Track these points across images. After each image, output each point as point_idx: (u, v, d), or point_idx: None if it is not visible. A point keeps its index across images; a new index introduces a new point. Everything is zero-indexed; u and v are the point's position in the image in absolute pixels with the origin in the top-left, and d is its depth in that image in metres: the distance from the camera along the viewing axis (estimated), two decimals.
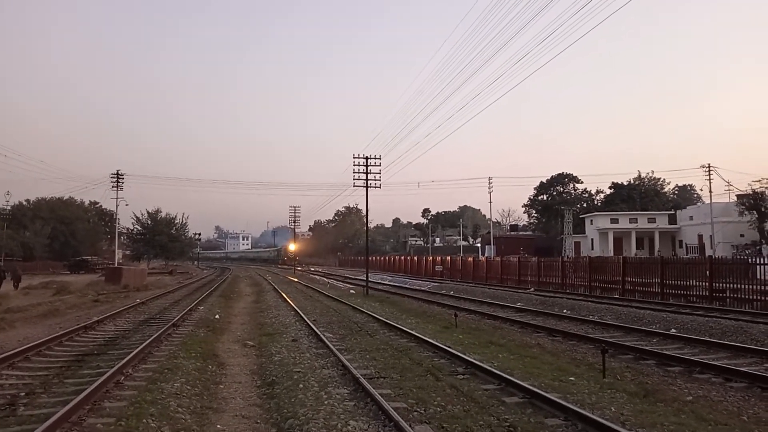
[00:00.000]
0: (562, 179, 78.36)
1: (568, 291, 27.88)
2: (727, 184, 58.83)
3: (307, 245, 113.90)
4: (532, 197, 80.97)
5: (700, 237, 54.54)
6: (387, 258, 75.15)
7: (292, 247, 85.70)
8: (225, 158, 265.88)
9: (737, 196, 52.14)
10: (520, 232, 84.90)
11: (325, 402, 7.35)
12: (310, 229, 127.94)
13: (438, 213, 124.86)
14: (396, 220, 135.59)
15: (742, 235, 48.73)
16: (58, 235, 69.26)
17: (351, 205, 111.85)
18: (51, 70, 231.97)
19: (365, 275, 33.89)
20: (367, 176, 32.50)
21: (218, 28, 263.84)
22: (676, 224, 60.59)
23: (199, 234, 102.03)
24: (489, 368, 9.12)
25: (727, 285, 19.98)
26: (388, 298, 27.35)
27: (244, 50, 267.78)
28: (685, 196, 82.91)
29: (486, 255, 62.20)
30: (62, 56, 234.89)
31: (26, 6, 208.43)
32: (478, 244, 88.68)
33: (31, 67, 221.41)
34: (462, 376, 9.03)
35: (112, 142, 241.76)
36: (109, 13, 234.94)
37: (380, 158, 32.94)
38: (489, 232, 73.56)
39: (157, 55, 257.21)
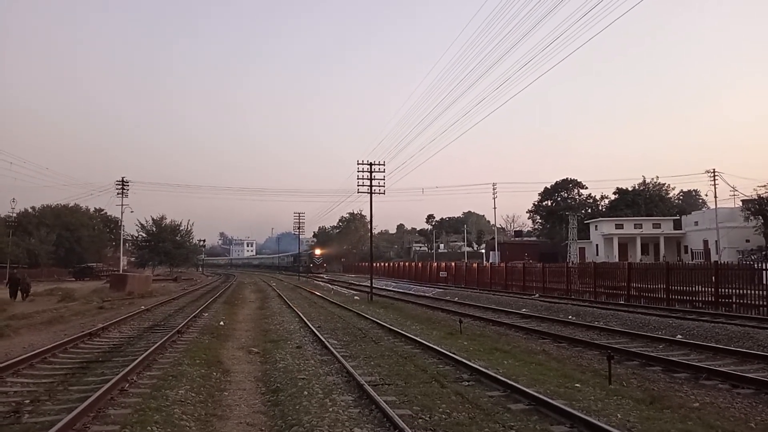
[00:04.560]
0: (567, 185, 78.18)
1: (573, 297, 27.77)
2: (732, 189, 58.71)
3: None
4: (536, 203, 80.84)
5: (706, 242, 54.29)
6: (391, 264, 75.05)
7: (318, 252, 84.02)
8: (230, 164, 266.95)
9: (742, 201, 51.90)
10: (525, 238, 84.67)
11: (330, 409, 7.32)
12: (314, 235, 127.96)
13: (442, 219, 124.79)
14: (400, 226, 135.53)
15: (747, 241, 48.46)
16: (63, 241, 69.52)
17: (355, 211, 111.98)
18: (56, 76, 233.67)
19: (369, 281, 33.86)
20: (371, 182, 32.53)
21: (224, 35, 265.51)
22: (681, 230, 60.33)
23: (204, 240, 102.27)
24: (494, 375, 9.08)
25: (733, 291, 19.87)
26: (392, 304, 27.32)
27: (249, 57, 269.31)
28: (690, 201, 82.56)
29: (490, 261, 62.10)
30: (67, 62, 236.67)
31: (29, 12, 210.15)
32: (483, 250, 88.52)
33: (35, 73, 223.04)
34: (467, 383, 9.00)
35: (117, 148, 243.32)
36: (114, 19, 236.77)
37: (384, 164, 33.00)
38: (493, 238, 73.40)
39: (163, 62, 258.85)
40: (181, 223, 76.02)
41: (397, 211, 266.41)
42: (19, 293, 28.02)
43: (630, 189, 71.71)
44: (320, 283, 54.41)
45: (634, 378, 9.67)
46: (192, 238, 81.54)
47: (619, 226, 62.04)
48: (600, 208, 75.44)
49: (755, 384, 8.75)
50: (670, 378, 9.71)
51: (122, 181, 59.31)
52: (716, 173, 55.02)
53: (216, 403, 8.21)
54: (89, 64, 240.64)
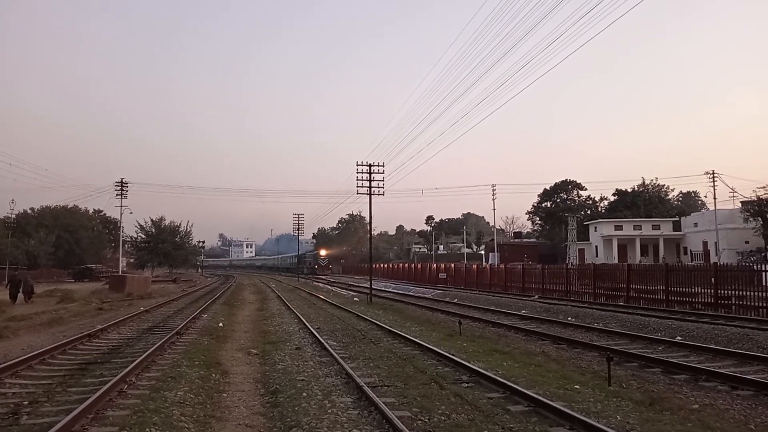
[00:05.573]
0: (566, 186, 78.21)
1: (572, 298, 27.77)
2: (731, 190, 58.86)
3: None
4: (535, 204, 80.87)
5: (705, 244, 54.33)
6: (391, 265, 75.05)
7: (323, 252, 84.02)
8: (229, 165, 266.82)
9: (742, 202, 51.92)
10: (524, 240, 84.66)
11: (329, 410, 7.31)
12: (314, 236, 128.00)
13: (442, 220, 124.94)
14: (400, 228, 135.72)
15: (747, 242, 48.51)
16: (63, 243, 69.51)
17: (355, 213, 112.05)
18: (56, 76, 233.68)
19: (369, 282, 33.86)
20: (370, 183, 32.57)
21: (225, 35, 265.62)
22: (680, 231, 60.37)
23: (203, 241, 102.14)
24: (493, 376, 9.07)
25: (733, 292, 19.88)
26: (391, 305, 27.29)
27: (249, 58, 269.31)
28: (690, 202, 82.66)
29: (490, 262, 62.08)
30: (67, 62, 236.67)
31: (29, 13, 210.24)
32: (482, 252, 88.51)
33: (35, 73, 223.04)
34: (466, 384, 8.99)
35: (117, 148, 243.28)
36: (115, 19, 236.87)
37: (384, 165, 33.08)
38: (493, 240, 73.44)
39: (163, 62, 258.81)
40: (180, 224, 76.08)
41: (397, 212, 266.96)
42: (21, 295, 27.92)
43: (629, 190, 71.80)
44: (320, 284, 54.36)
45: (633, 379, 9.65)
46: (191, 239, 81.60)
47: (619, 228, 62.07)
48: (599, 209, 75.49)
49: (755, 386, 8.74)
50: (669, 379, 9.70)
51: (121, 182, 59.35)
52: (715, 175, 55.08)
53: (215, 405, 8.19)
54: (89, 64, 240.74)
